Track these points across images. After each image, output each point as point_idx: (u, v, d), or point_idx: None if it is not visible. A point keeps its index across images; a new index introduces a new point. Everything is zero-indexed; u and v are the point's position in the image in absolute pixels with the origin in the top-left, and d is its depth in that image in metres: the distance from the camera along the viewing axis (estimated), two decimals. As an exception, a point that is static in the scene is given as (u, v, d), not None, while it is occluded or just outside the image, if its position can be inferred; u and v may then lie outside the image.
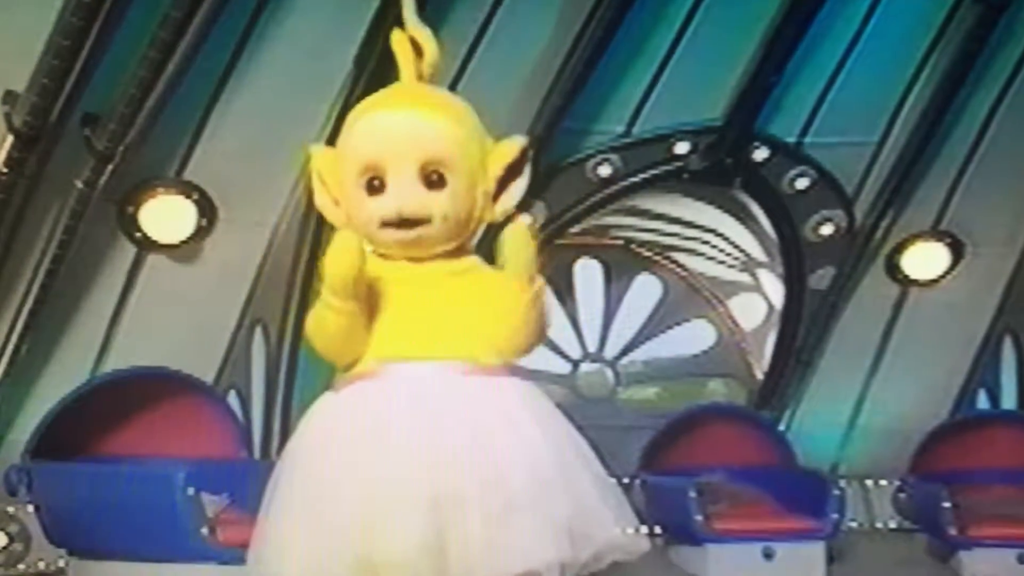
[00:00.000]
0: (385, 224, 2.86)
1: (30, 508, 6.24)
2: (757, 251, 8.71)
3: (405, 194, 2.85)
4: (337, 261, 2.77)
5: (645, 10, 6.91)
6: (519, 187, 3.02)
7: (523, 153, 3.01)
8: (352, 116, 2.99)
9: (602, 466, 2.97)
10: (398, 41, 3.07)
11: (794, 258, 8.23)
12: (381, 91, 3.07)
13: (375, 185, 2.87)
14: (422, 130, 2.89)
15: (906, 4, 7.38)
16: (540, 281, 2.92)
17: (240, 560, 5.39)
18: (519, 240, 2.87)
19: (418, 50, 3.05)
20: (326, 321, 2.83)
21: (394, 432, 2.75)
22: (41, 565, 6.47)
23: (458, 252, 2.98)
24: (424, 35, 3.07)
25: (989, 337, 8.49)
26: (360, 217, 2.89)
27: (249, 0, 6.13)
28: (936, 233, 8.24)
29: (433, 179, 2.87)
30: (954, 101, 7.51)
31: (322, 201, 3.01)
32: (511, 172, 2.99)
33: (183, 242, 6.73)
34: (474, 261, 3.02)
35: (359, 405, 2.83)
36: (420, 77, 3.02)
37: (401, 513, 2.68)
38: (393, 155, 2.86)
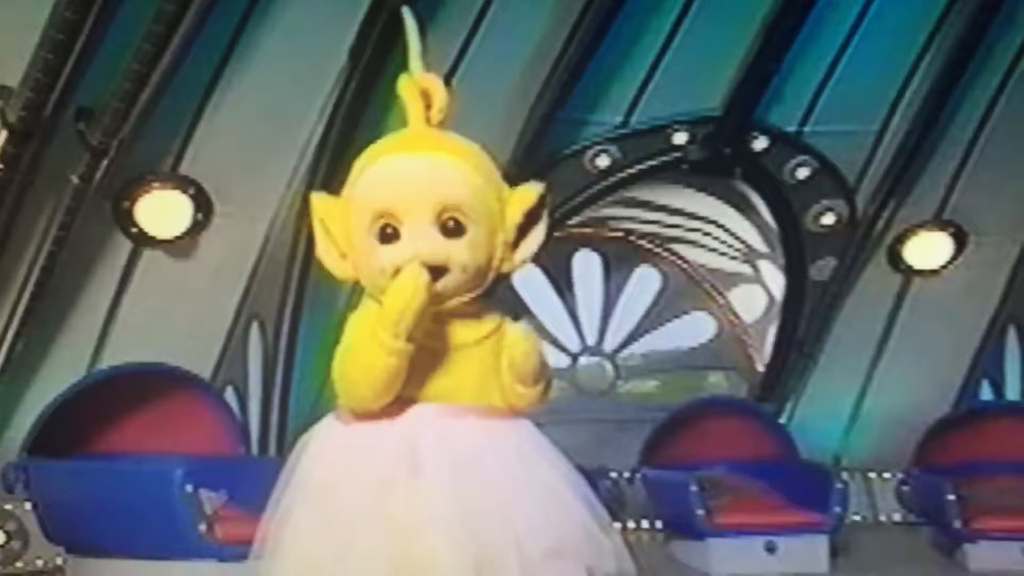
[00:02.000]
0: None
1: (27, 506, 6.23)
2: (757, 242, 8.69)
3: (422, 241, 2.68)
4: (401, 296, 2.61)
5: (642, -1, 6.90)
6: (538, 234, 2.86)
7: (541, 199, 2.86)
8: (361, 162, 2.83)
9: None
10: (405, 87, 2.89)
11: (795, 249, 8.20)
12: (391, 136, 2.89)
13: (388, 233, 2.70)
14: (439, 175, 2.74)
15: (907, -9, 7.37)
16: (542, 386, 2.82)
17: (238, 557, 5.38)
18: (523, 347, 2.77)
19: (426, 97, 2.87)
20: (376, 360, 2.64)
21: (426, 480, 2.65)
22: (39, 563, 6.45)
23: (479, 311, 2.81)
24: (432, 82, 2.89)
25: (992, 327, 8.46)
26: (371, 267, 2.73)
27: (243, -7, 6.13)
28: (939, 223, 8.21)
29: (450, 226, 2.71)
30: (956, 89, 7.48)
31: (326, 252, 2.84)
32: (530, 219, 2.83)
33: (179, 237, 6.71)
34: (496, 321, 2.82)
35: (381, 446, 2.69)
36: (429, 123, 2.86)
37: (442, 565, 2.60)
38: (409, 200, 2.70)
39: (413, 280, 2.63)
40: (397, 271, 2.68)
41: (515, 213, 2.81)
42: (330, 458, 2.76)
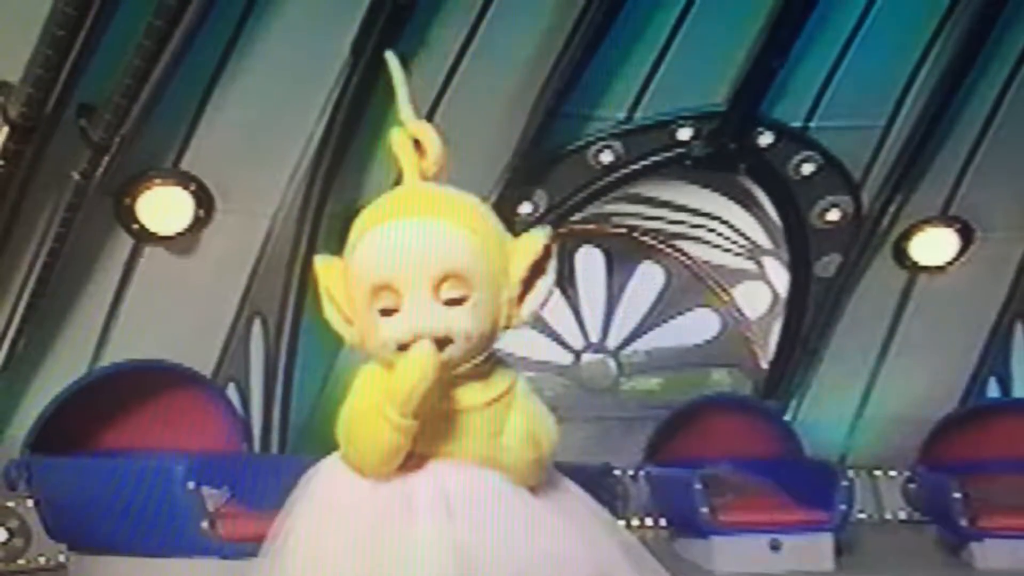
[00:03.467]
0: (402, 348, 2.60)
1: (30, 503, 6.23)
2: (762, 238, 8.67)
3: (422, 315, 2.60)
4: (409, 378, 2.55)
5: (645, -6, 6.89)
6: (545, 285, 2.73)
7: (547, 250, 2.72)
8: (358, 227, 2.72)
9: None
10: (397, 141, 2.83)
11: (800, 245, 8.18)
12: (386, 196, 2.80)
13: (388, 306, 2.63)
14: (435, 242, 2.63)
15: (913, -16, 7.34)
16: (546, 446, 2.73)
17: (240, 554, 5.37)
18: (519, 438, 2.68)
19: (420, 148, 2.81)
20: (381, 434, 2.60)
21: (420, 525, 2.61)
22: (41, 560, 6.45)
23: (488, 372, 2.72)
24: (424, 131, 2.83)
25: (999, 324, 8.43)
26: (375, 340, 2.66)
27: (244, -12, 6.11)
28: (945, 218, 8.17)
29: (451, 296, 2.62)
30: (962, 84, 7.45)
31: (333, 318, 2.76)
32: (535, 271, 2.70)
33: (180, 233, 6.70)
34: (507, 383, 2.73)
35: (379, 490, 2.66)
36: (425, 177, 2.78)
37: None
38: (405, 272, 2.61)
39: (422, 361, 2.56)
40: (400, 346, 2.61)
41: (519, 268, 2.69)
42: (327, 498, 2.72)
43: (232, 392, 6.91)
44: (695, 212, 8.81)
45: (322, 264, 2.78)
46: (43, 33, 5.34)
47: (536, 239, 2.72)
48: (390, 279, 2.62)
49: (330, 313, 2.77)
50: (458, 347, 2.62)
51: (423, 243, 2.63)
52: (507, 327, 2.72)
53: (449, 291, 2.61)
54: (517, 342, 9.19)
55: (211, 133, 6.50)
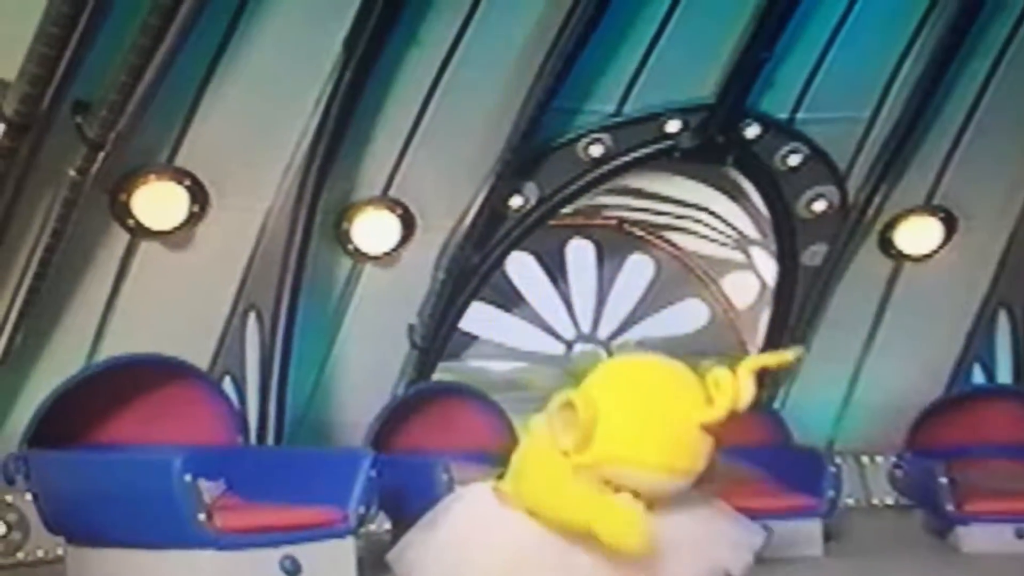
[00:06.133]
0: None
1: (28, 497, 6.22)
2: (750, 229, 8.72)
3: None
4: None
5: (634, -12, 6.93)
6: None
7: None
8: (631, 442, 3.78)
9: None
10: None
11: (787, 235, 8.24)
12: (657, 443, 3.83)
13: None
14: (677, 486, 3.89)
15: (896, -23, 7.39)
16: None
17: (237, 546, 5.43)
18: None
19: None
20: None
21: None
22: (40, 553, 6.47)
23: None
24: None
25: (983, 311, 8.50)
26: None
27: (237, -15, 6.13)
28: (929, 208, 8.25)
29: None
30: (946, 75, 7.51)
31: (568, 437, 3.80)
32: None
33: (176, 229, 6.73)
34: None
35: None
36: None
37: None
38: (649, 494, 3.82)
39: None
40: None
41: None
42: (471, 515, 3.61)
43: (228, 385, 6.92)
44: (683, 204, 8.85)
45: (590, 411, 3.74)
46: (39, 31, 5.33)
47: None
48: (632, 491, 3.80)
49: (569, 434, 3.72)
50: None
51: (667, 489, 3.89)
52: None
53: None
54: (509, 333, 9.29)
55: (206, 129, 6.52)
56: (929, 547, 7.08)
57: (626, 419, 3.72)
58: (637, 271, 9.44)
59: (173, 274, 6.79)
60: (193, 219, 6.73)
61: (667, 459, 3.68)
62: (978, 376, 8.57)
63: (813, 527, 6.82)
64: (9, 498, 6.44)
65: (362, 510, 5.68)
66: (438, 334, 7.69)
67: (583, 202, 8.31)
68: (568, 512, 3.64)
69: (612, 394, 3.81)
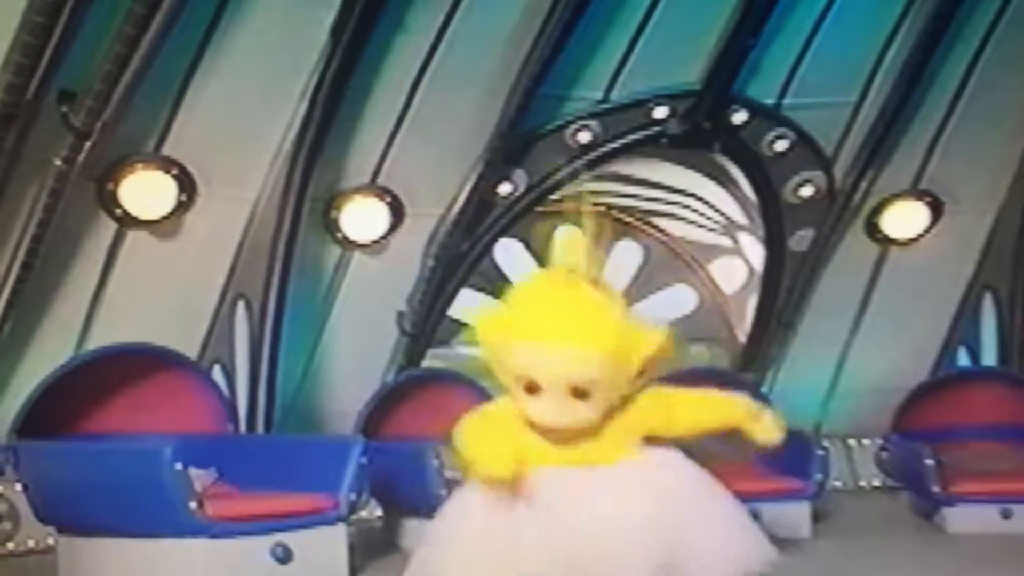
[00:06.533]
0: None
1: (18, 487, 6.21)
2: (737, 214, 8.75)
3: (557, 409, 3.63)
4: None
5: (621, -26, 6.93)
6: (659, 366, 3.78)
7: (661, 348, 3.74)
8: (510, 330, 3.69)
9: None
10: (570, 242, 3.89)
11: (774, 220, 8.27)
12: (535, 306, 3.75)
13: (531, 386, 3.64)
14: (571, 363, 3.62)
15: (882, -37, 7.40)
16: None
17: (229, 533, 5.43)
18: None
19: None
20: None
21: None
22: (30, 543, 6.46)
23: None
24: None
25: (969, 295, 8.54)
26: (518, 401, 3.69)
27: (223, -27, 6.12)
28: (915, 192, 8.28)
29: (580, 392, 3.62)
30: (932, 60, 7.54)
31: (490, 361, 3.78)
32: (652, 361, 3.72)
33: (163, 218, 6.72)
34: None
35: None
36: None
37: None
38: (546, 377, 3.63)
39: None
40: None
41: (638, 359, 3.68)
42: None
43: (217, 374, 6.93)
44: (671, 189, 8.87)
45: (483, 324, 3.79)
46: (23, 20, 5.32)
47: (656, 338, 3.74)
48: (535, 378, 3.64)
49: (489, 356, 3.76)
50: (580, 425, 3.67)
51: (561, 363, 3.61)
52: (620, 395, 3.70)
53: (578, 389, 3.61)
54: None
55: (192, 118, 6.51)
56: (916, 528, 7.12)
57: (524, 310, 3.78)
58: (626, 257, 9.44)
59: (161, 263, 6.78)
60: (181, 208, 6.72)
61: (538, 328, 3.66)
62: (964, 359, 8.61)
63: (801, 509, 6.85)
64: (-1, 488, 6.45)
65: (353, 497, 5.69)
66: (427, 321, 7.71)
67: (572, 189, 8.30)
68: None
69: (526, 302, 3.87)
